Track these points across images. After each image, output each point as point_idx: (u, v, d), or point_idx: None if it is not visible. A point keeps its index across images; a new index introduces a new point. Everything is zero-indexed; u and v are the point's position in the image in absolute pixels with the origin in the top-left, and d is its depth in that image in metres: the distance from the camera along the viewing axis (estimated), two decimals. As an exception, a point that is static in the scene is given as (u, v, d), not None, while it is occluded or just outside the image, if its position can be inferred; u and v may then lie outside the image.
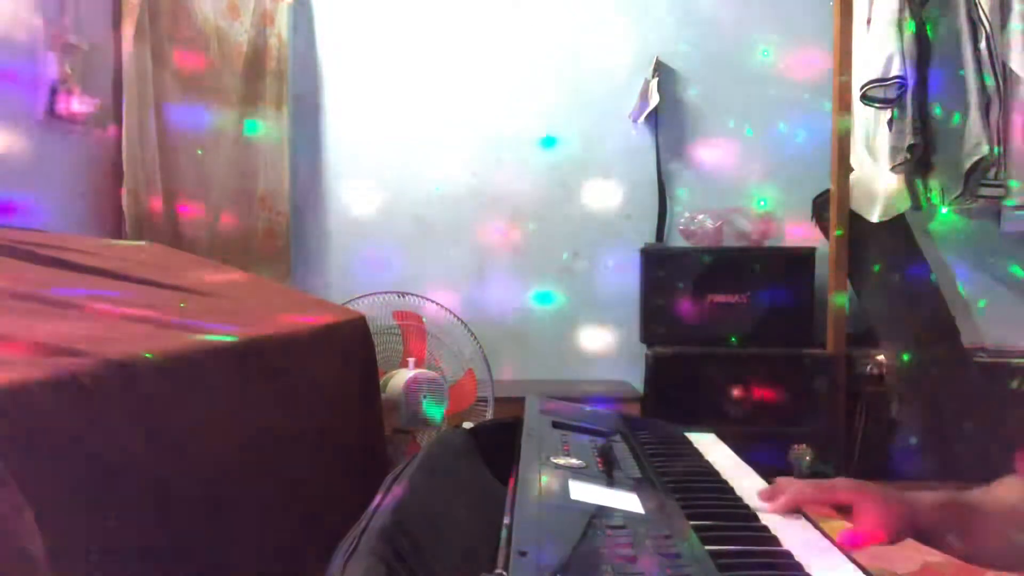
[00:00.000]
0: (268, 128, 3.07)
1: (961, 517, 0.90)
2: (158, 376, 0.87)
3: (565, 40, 3.28)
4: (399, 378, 1.99)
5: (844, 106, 2.84)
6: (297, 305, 1.71)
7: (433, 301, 2.23)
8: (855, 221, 2.87)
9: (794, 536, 0.77)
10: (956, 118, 2.75)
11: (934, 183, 2.85)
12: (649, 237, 3.22)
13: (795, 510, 0.86)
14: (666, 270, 2.92)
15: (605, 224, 3.28)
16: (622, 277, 3.18)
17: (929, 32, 2.82)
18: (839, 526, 0.86)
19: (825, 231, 2.97)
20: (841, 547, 0.77)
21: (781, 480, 0.91)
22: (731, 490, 0.93)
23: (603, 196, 3.28)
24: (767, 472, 1.07)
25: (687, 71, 3.27)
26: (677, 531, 0.71)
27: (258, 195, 3.04)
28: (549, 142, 3.28)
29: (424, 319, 2.17)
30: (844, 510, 0.89)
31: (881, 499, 0.88)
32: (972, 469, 2.56)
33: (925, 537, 0.89)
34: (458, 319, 2.24)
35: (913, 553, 0.87)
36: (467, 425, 1.15)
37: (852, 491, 0.89)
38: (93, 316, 1.02)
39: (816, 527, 0.83)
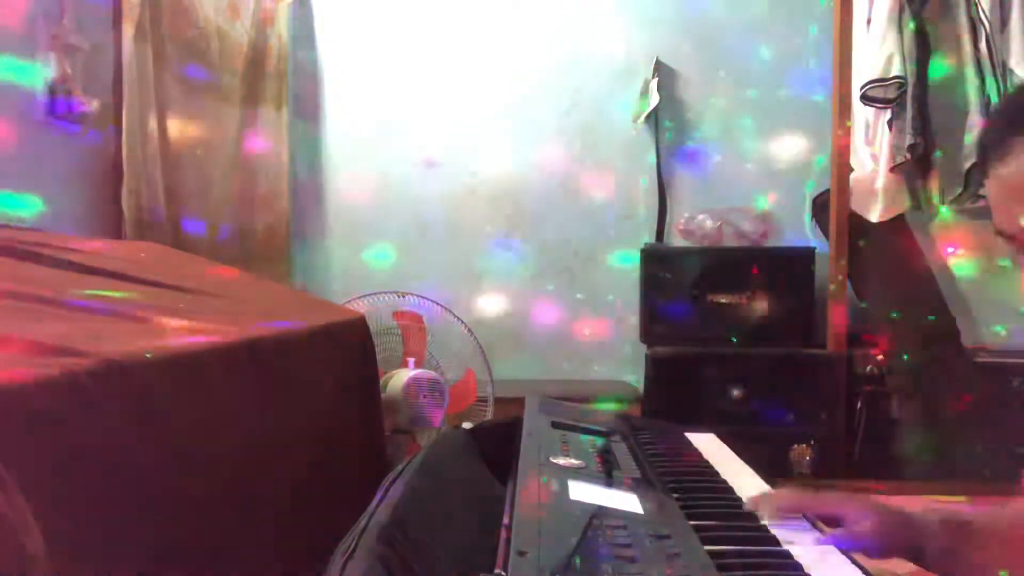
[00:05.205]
0: (268, 128, 3.07)
1: (973, 540, 0.84)
2: (158, 376, 0.87)
3: (565, 40, 3.28)
4: (399, 378, 1.98)
5: (844, 106, 2.84)
6: (297, 305, 1.72)
7: (433, 301, 2.23)
8: (855, 221, 2.87)
9: (793, 536, 0.78)
10: (956, 118, 2.75)
11: (934, 183, 2.85)
12: (649, 237, 3.22)
13: (794, 512, 0.85)
14: (666, 270, 2.92)
15: (605, 224, 3.28)
16: (622, 277, 3.18)
17: (929, 32, 2.82)
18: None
19: (825, 231, 2.97)
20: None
21: (773, 491, 0.90)
22: (731, 490, 0.93)
23: (603, 196, 3.28)
24: (767, 472, 1.08)
25: (687, 71, 3.27)
26: (677, 531, 0.71)
27: (258, 195, 3.04)
28: (548, 142, 3.28)
29: (424, 319, 2.17)
30: (835, 523, 0.85)
31: (874, 511, 0.84)
32: (972, 469, 2.57)
33: (924, 560, 0.84)
34: (458, 319, 2.24)
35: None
36: (467, 425, 1.15)
37: (843, 502, 0.86)
38: (93, 316, 1.02)
39: (815, 527, 0.83)
